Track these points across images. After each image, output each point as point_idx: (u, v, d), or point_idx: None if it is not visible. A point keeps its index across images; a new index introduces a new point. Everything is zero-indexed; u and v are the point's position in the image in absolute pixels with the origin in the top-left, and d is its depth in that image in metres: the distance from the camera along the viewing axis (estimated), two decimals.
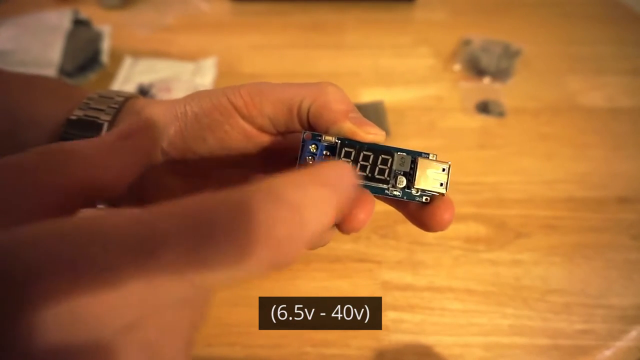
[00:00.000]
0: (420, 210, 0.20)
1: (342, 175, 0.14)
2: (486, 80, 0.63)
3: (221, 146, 0.22)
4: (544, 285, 0.40)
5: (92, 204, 0.16)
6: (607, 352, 0.36)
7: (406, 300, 0.39)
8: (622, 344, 0.36)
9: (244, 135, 0.22)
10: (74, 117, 0.22)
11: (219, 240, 0.11)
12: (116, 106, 0.23)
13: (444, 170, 0.19)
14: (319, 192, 0.13)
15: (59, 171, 0.15)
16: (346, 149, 0.19)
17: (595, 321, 0.38)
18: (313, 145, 0.20)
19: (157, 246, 0.11)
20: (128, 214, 0.11)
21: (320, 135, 0.20)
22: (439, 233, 0.44)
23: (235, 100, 0.21)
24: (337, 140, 0.20)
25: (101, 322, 0.10)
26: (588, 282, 0.40)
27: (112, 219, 0.11)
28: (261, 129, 0.22)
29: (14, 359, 0.10)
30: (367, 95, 0.60)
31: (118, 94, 0.24)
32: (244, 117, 0.21)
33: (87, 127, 0.22)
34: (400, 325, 0.38)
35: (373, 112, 0.57)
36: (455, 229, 0.45)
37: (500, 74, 0.63)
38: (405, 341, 0.37)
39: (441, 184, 0.19)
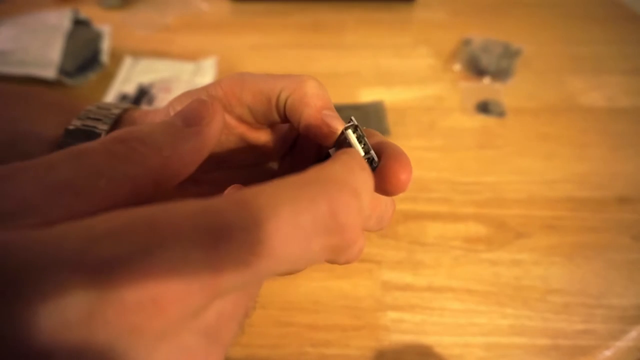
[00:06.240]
0: (378, 176, 0.18)
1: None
2: (486, 80, 0.63)
3: None
4: (544, 285, 0.40)
5: (160, 192, 0.16)
6: (607, 352, 0.36)
7: (406, 300, 0.39)
8: (622, 344, 0.36)
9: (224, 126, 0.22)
10: (71, 127, 0.22)
11: (286, 229, 0.11)
12: (113, 116, 0.23)
13: (356, 133, 0.18)
14: (364, 175, 0.14)
15: (132, 160, 0.15)
16: None
17: (596, 321, 0.38)
18: None
19: (224, 235, 0.11)
20: (191, 205, 0.11)
21: None
22: (438, 233, 0.44)
23: (215, 93, 0.21)
24: None
25: (167, 311, 0.10)
26: (588, 282, 0.40)
27: (176, 209, 0.11)
28: (240, 119, 0.22)
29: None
30: (367, 95, 0.60)
31: (116, 105, 0.24)
32: (223, 107, 0.21)
33: (85, 137, 0.22)
34: (400, 325, 0.38)
35: (373, 112, 0.57)
36: (455, 229, 0.45)
37: (500, 74, 0.63)
38: (405, 341, 0.37)
39: (364, 149, 0.18)
